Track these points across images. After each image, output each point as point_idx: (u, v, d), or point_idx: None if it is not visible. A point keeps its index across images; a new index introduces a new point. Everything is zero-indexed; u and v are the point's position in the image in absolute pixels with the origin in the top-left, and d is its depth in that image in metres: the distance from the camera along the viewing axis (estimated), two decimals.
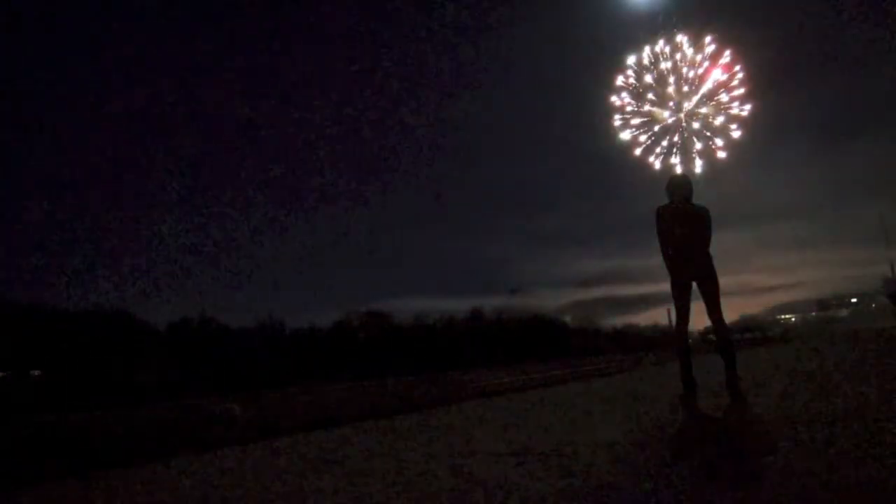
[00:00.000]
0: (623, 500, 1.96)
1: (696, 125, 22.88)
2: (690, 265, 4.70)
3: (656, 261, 5.26)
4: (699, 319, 5.07)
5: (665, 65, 22.72)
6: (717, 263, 4.75)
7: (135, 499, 2.97)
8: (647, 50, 23.08)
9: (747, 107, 22.35)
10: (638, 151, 23.80)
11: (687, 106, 22.83)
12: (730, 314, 5.15)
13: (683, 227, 4.70)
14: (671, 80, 22.68)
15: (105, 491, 3.27)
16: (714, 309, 4.66)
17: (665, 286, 4.95)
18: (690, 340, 5.17)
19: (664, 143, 23.36)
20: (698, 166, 22.70)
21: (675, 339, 5.01)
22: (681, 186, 4.80)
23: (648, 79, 23.10)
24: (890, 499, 1.72)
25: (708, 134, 22.76)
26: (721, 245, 4.90)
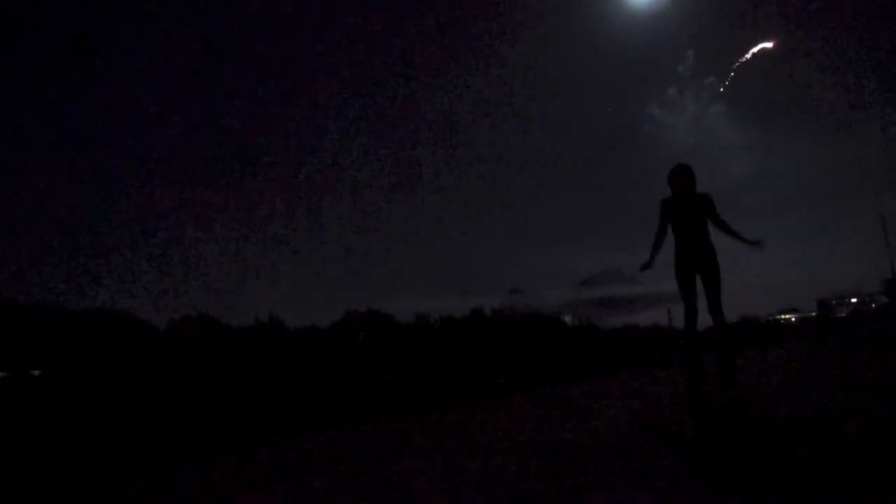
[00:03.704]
0: (623, 500, 1.96)
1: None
2: (694, 256, 4.69)
3: (654, 261, 5.23)
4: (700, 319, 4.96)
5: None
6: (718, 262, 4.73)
7: (144, 499, 2.97)
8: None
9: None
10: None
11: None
12: (730, 314, 5.08)
13: (687, 218, 4.70)
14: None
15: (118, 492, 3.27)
16: (715, 303, 4.65)
17: (664, 286, 4.94)
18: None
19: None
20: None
21: (683, 338, 4.88)
22: (682, 177, 4.79)
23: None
24: (889, 498, 1.72)
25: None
26: (721, 244, 4.88)
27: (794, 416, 3.35)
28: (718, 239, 4.79)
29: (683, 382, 4.87)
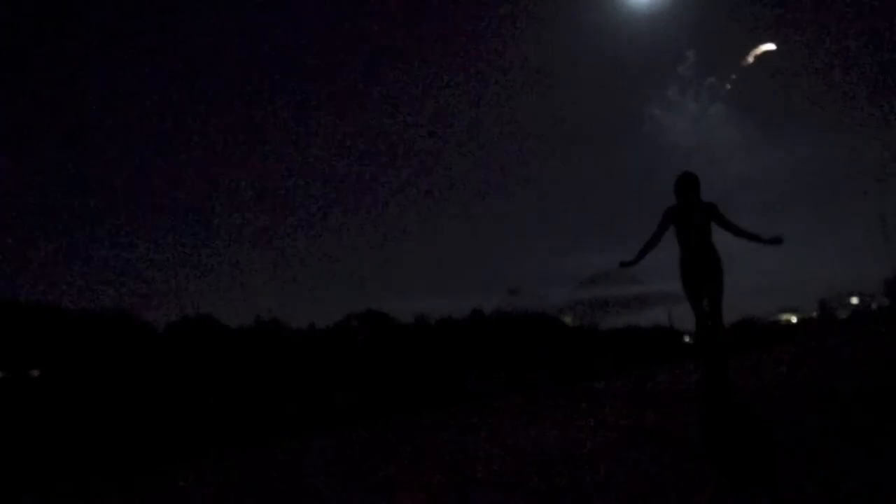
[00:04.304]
0: (624, 500, 1.95)
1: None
2: (699, 265, 4.69)
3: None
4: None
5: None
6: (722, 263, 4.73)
7: (144, 499, 2.96)
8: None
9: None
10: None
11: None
12: (731, 314, 5.08)
13: (692, 227, 4.70)
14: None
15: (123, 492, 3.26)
16: (715, 311, 4.66)
17: (664, 286, 4.95)
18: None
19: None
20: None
21: (699, 339, 4.85)
22: (687, 185, 4.78)
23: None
24: (892, 499, 1.71)
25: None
26: (722, 244, 4.87)
27: (797, 417, 3.34)
28: (721, 240, 4.79)
29: (702, 382, 4.85)
